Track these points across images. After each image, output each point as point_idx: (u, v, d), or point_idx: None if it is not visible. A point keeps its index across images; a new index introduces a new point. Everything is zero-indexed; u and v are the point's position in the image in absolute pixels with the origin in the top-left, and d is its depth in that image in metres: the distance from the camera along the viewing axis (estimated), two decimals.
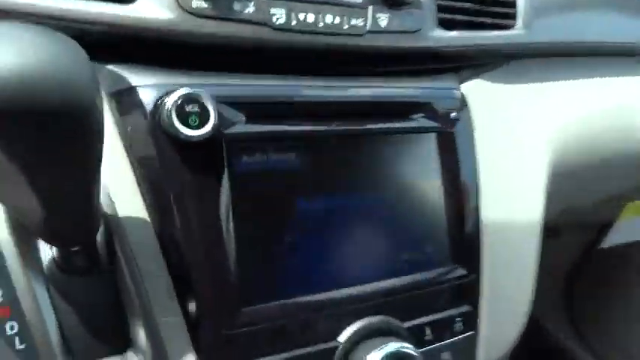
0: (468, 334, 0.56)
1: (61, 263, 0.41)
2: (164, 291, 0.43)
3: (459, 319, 0.55)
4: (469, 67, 0.67)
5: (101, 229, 0.43)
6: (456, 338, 0.55)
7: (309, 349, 0.47)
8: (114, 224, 0.43)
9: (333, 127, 0.51)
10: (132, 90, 0.44)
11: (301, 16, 0.51)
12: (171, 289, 0.44)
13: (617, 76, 0.78)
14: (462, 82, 0.65)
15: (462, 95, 0.61)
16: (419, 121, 0.57)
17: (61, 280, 0.42)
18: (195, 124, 0.43)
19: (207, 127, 0.43)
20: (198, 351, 0.43)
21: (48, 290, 0.41)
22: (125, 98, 0.45)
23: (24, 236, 0.40)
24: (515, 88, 0.70)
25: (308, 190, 0.49)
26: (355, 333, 0.49)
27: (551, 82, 0.72)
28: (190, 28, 0.47)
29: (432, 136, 0.57)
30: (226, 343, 0.44)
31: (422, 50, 0.59)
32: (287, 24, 0.50)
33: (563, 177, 0.71)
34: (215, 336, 0.44)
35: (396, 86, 0.57)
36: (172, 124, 0.42)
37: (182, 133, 0.42)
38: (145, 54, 0.46)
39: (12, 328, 0.39)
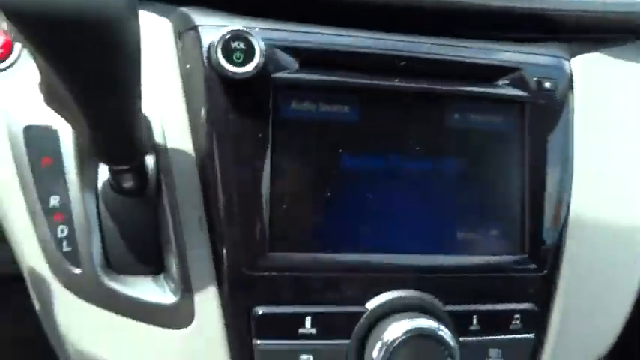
0: (527, 335, 0.49)
1: (113, 182, 0.45)
2: (196, 223, 0.45)
3: (517, 316, 0.48)
4: (588, 41, 0.57)
5: (153, 157, 0.46)
6: (510, 336, 0.48)
7: (331, 309, 0.45)
8: (162, 154, 0.45)
9: (397, 82, 0.48)
10: (193, 29, 0.46)
11: None
12: (204, 222, 0.45)
13: None
14: (576, 54, 0.56)
15: (566, 66, 0.52)
16: (503, 87, 0.50)
17: (112, 198, 0.46)
18: (240, 60, 0.43)
19: (251, 65, 0.43)
20: (218, 285, 0.44)
21: (97, 207, 0.45)
22: (187, 37, 0.47)
23: (83, 156, 0.45)
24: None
25: (357, 147, 0.47)
26: (385, 303, 0.46)
27: None
28: None
29: (519, 106, 0.50)
30: (247, 283, 0.44)
31: (532, 12, 0.52)
32: None
33: None
34: (236, 274, 0.44)
35: (483, 48, 0.51)
36: (217, 60, 0.43)
37: (225, 69, 0.43)
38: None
39: (62, 231, 0.44)
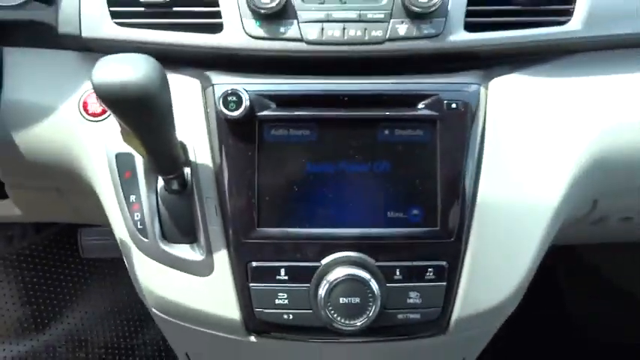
0: (439, 283, 0.69)
1: (165, 186, 0.73)
2: (213, 210, 0.71)
3: (430, 270, 0.69)
4: (504, 64, 0.75)
5: (188, 169, 0.73)
6: (426, 284, 0.69)
7: (298, 264, 0.69)
8: (193, 167, 0.72)
9: (342, 112, 0.70)
10: (209, 86, 0.72)
11: (329, 32, 0.71)
12: (218, 209, 0.71)
13: None
14: (493, 77, 0.74)
15: (474, 88, 0.71)
16: (421, 110, 0.70)
17: (165, 196, 0.73)
18: (233, 107, 0.68)
19: (239, 111, 0.68)
20: (227, 249, 0.70)
21: (157, 201, 0.73)
22: (207, 91, 0.73)
23: (148, 171, 0.73)
24: (555, 83, 0.74)
25: (317, 158, 0.70)
26: (334, 260, 0.69)
27: (596, 77, 0.74)
28: (251, 46, 0.72)
29: (432, 122, 0.70)
30: (244, 246, 0.70)
31: (437, 52, 0.71)
32: (318, 39, 0.71)
33: (600, 170, 0.73)
34: (237, 241, 0.70)
35: (410, 81, 0.72)
36: (220, 108, 0.69)
37: (225, 113, 0.68)
38: (222, 61, 0.73)
39: (137, 216, 0.72)
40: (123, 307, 1.66)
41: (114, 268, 1.67)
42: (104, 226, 1.27)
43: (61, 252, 1.63)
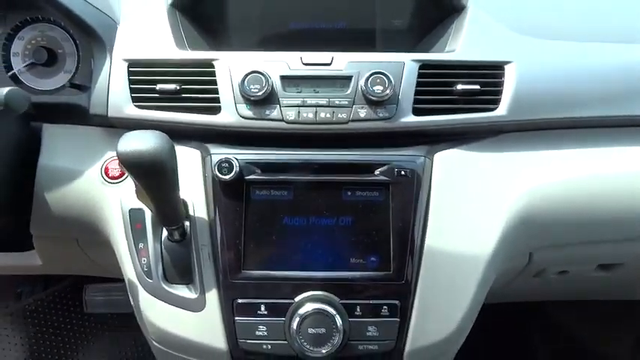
0: (392, 319, 0.83)
1: (168, 235, 0.88)
2: (207, 256, 0.86)
3: (385, 307, 0.83)
4: (446, 141, 0.93)
5: (188, 222, 0.88)
6: (381, 319, 0.83)
7: (275, 300, 0.84)
8: (192, 220, 0.88)
9: (312, 177, 0.88)
10: (208, 156, 0.90)
11: (304, 114, 0.89)
12: (211, 255, 0.86)
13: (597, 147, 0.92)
14: (437, 151, 0.92)
15: (419, 159, 0.89)
16: (377, 176, 0.87)
17: (168, 244, 0.88)
18: (226, 172, 0.85)
19: (231, 175, 0.85)
20: (217, 288, 0.85)
21: (161, 248, 0.88)
22: (206, 160, 0.90)
23: (155, 223, 0.88)
24: (488, 156, 0.92)
25: (292, 213, 0.87)
26: (306, 297, 0.83)
27: (521, 152, 0.93)
28: (243, 124, 0.90)
29: (386, 186, 0.87)
30: (231, 286, 0.84)
31: (390, 131, 0.90)
32: (295, 119, 0.89)
33: (528, 227, 0.89)
34: (226, 282, 0.84)
35: (368, 153, 0.90)
36: (215, 173, 0.86)
37: (219, 177, 0.85)
38: (219, 136, 0.91)
39: (144, 261, 0.86)
40: None
41: (114, 324, 1.78)
42: (110, 282, 1.44)
43: (65, 307, 1.75)
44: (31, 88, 0.97)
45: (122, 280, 0.92)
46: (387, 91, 0.87)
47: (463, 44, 0.93)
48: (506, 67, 0.91)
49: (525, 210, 0.90)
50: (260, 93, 0.87)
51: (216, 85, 0.89)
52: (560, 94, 0.93)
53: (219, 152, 0.90)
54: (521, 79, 0.91)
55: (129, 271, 0.88)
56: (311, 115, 0.89)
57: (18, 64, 0.97)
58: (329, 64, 0.90)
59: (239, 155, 0.88)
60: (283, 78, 0.89)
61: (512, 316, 1.73)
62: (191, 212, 0.88)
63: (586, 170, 0.94)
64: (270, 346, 0.84)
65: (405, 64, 0.90)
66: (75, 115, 0.94)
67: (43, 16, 0.97)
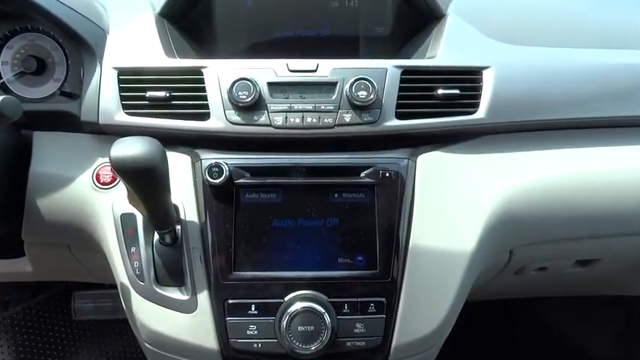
0: (379, 316, 0.86)
1: (160, 239, 0.90)
2: (198, 258, 0.88)
3: (372, 304, 0.86)
4: (428, 143, 0.96)
5: (179, 225, 0.90)
6: (369, 316, 0.86)
7: (265, 300, 0.86)
8: (183, 223, 0.90)
9: (300, 180, 0.90)
10: (198, 161, 0.92)
11: (291, 120, 0.92)
12: (202, 258, 0.88)
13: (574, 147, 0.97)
14: (420, 153, 0.95)
15: (403, 162, 0.92)
16: (363, 178, 0.90)
17: (160, 248, 0.90)
18: (216, 176, 0.88)
19: (221, 179, 0.88)
20: (209, 289, 0.87)
21: (153, 252, 0.90)
22: (196, 165, 0.93)
23: (147, 227, 0.90)
24: (468, 158, 0.96)
25: (280, 215, 0.89)
26: (295, 296, 0.86)
27: (500, 153, 0.97)
28: (232, 130, 0.93)
29: (371, 187, 0.90)
30: (222, 287, 0.87)
31: (375, 134, 0.93)
32: (283, 125, 0.92)
33: (508, 224, 0.93)
34: (217, 283, 0.87)
35: (354, 156, 0.93)
36: (206, 177, 0.88)
37: (210, 181, 0.88)
38: (209, 141, 0.94)
39: (136, 264, 0.89)
40: None
41: (102, 331, 1.78)
42: (99, 289, 1.44)
43: (53, 315, 1.75)
44: (21, 96, 0.98)
45: (110, 287, 0.94)
46: (371, 96, 0.90)
47: (443, 50, 0.97)
48: (484, 72, 0.96)
49: (505, 209, 0.93)
50: (248, 99, 0.90)
51: (205, 92, 0.92)
52: (536, 98, 0.97)
53: (209, 157, 0.92)
54: (498, 83, 0.95)
55: (121, 274, 0.89)
56: (298, 120, 0.92)
57: (7, 73, 0.98)
58: (314, 71, 0.93)
59: (229, 160, 0.90)
60: (270, 84, 0.92)
61: (499, 311, 1.77)
62: (182, 216, 0.90)
63: (563, 169, 0.98)
64: (260, 345, 0.86)
65: (387, 70, 0.93)
66: (65, 122, 0.96)
67: (32, 26, 0.98)
